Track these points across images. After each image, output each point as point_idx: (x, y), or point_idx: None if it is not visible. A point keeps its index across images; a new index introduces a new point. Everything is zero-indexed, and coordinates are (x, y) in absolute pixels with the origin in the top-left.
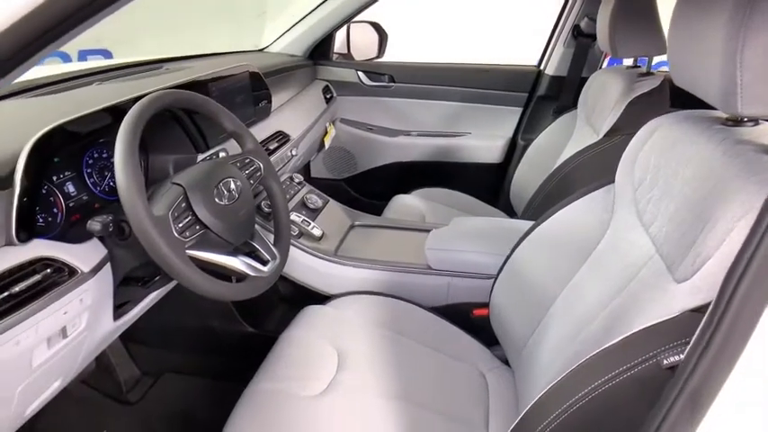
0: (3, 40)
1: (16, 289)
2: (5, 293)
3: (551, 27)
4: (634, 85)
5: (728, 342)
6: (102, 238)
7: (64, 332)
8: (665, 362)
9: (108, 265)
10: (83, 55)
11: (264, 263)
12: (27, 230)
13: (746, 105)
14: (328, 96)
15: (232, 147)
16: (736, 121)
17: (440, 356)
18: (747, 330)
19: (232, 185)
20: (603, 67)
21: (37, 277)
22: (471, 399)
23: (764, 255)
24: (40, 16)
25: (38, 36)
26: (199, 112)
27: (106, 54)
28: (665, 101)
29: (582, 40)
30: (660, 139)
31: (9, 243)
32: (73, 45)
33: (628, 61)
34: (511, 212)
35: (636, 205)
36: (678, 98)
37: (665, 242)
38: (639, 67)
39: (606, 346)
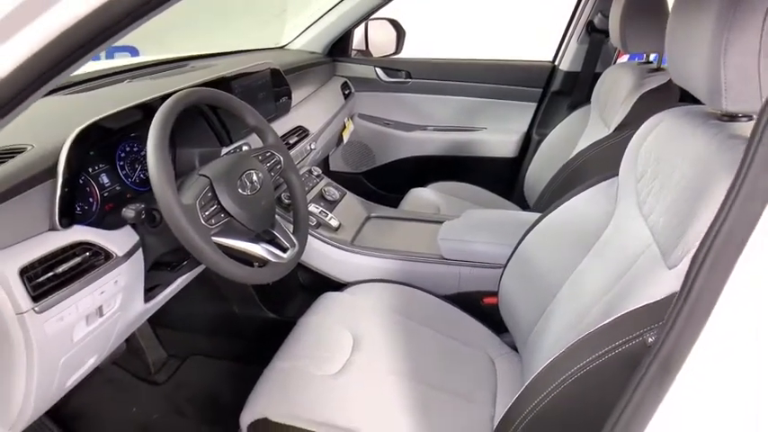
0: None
1: (60, 270)
2: (50, 273)
3: (565, 23)
4: (644, 81)
5: (692, 317)
6: (134, 226)
7: (100, 311)
8: (649, 340)
9: (140, 250)
10: (110, 52)
11: (284, 250)
12: (68, 217)
13: (730, 102)
14: (347, 92)
15: (254, 141)
16: (732, 117)
17: (450, 341)
18: (708, 307)
19: (254, 177)
20: (621, 62)
21: (77, 259)
22: (480, 381)
23: (724, 239)
24: (37, 61)
25: (34, 80)
26: (223, 108)
27: (133, 51)
28: (675, 96)
29: (595, 36)
30: (661, 133)
31: (53, 228)
32: None
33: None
34: (525, 206)
35: (637, 196)
36: (688, 94)
37: (661, 232)
38: (651, 62)
39: (598, 326)
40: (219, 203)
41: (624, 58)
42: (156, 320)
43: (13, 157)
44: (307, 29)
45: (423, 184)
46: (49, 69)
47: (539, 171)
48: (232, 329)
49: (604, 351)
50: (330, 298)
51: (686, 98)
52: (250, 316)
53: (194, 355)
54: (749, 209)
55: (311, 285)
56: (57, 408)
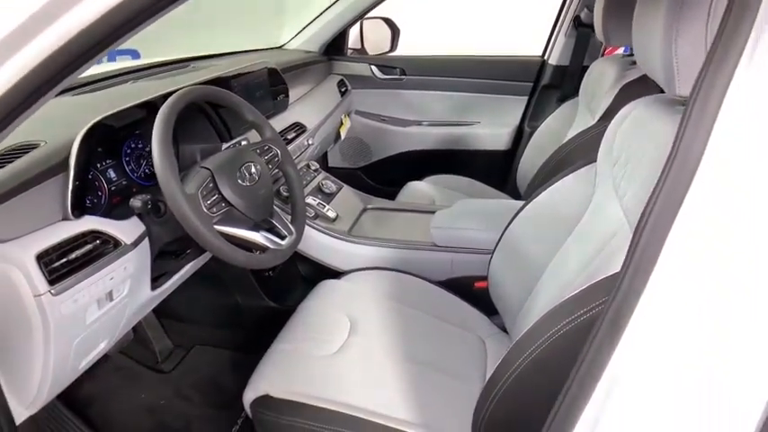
0: None
1: (73, 256)
2: (64, 259)
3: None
4: (626, 73)
5: (635, 278)
6: (140, 216)
7: (110, 296)
8: None
9: (146, 239)
10: (112, 55)
11: (282, 237)
12: (79, 209)
13: (682, 87)
14: (343, 90)
15: (253, 137)
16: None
17: (443, 324)
18: (648, 268)
19: (253, 169)
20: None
21: (88, 247)
22: (471, 360)
23: (662, 201)
24: (51, 63)
25: (47, 81)
26: (223, 105)
27: (134, 54)
28: (654, 85)
29: (582, 30)
30: (634, 119)
31: (65, 218)
32: None
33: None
34: (518, 196)
35: (613, 180)
36: None
37: (632, 210)
38: (633, 55)
39: (571, 294)
40: (220, 193)
41: (620, 51)
42: (162, 312)
43: (28, 152)
44: (303, 29)
45: (419, 177)
46: (59, 71)
47: (530, 162)
48: (235, 319)
49: (576, 316)
50: (328, 285)
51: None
52: (252, 306)
53: (199, 345)
54: (682, 173)
55: (310, 275)
56: (70, 394)
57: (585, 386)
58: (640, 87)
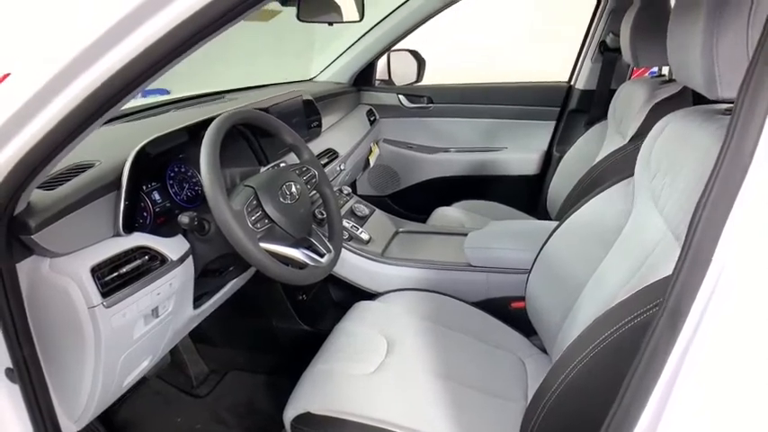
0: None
1: (124, 270)
2: (115, 273)
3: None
4: (657, 92)
5: (693, 268)
6: (185, 234)
7: (156, 312)
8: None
9: (191, 257)
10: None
11: (321, 255)
12: (129, 226)
13: (725, 90)
14: (372, 119)
15: (290, 161)
16: (730, 109)
17: (481, 344)
18: (704, 267)
19: (293, 188)
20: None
21: (138, 262)
22: (511, 380)
23: (716, 193)
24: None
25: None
26: (264, 128)
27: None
28: (688, 102)
29: (608, 54)
30: (670, 132)
31: (117, 234)
32: None
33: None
34: (548, 220)
35: (652, 193)
36: (701, 99)
37: (674, 218)
38: (663, 75)
39: (617, 302)
40: (263, 210)
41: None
42: (198, 337)
43: (85, 171)
44: (333, 62)
45: (448, 203)
46: (107, 101)
47: (560, 186)
48: (269, 343)
49: (623, 323)
50: (363, 306)
51: (701, 104)
52: (286, 330)
53: (234, 370)
54: (734, 170)
55: (343, 299)
56: (109, 417)
57: (641, 391)
58: (672, 106)
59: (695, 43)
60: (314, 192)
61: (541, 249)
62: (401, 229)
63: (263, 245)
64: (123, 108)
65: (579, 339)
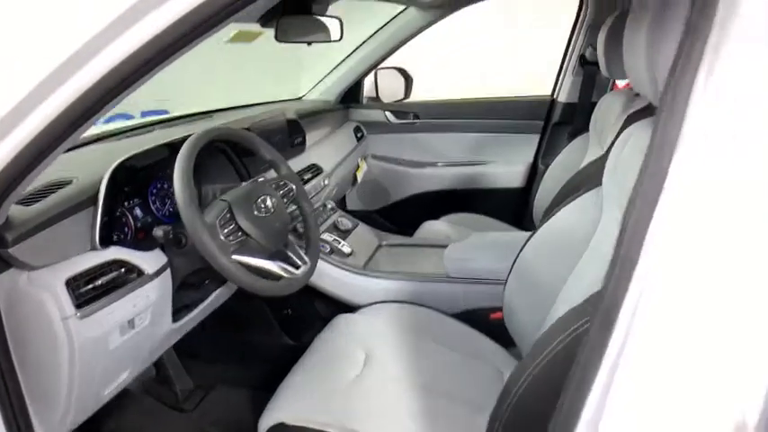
0: None
1: (99, 282)
2: (90, 286)
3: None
4: (631, 103)
5: (623, 271)
6: (162, 248)
7: (132, 323)
8: None
9: (168, 270)
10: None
11: (297, 267)
12: (106, 240)
13: None
14: (359, 135)
15: (270, 176)
16: None
17: (458, 355)
18: (630, 271)
19: (269, 202)
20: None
21: (114, 274)
22: (487, 390)
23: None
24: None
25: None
26: (241, 143)
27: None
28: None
29: (588, 68)
30: (635, 141)
31: (93, 248)
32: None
33: None
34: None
35: (618, 200)
36: None
37: None
38: None
39: (575, 305)
40: (237, 223)
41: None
42: (183, 351)
43: (62, 187)
44: (320, 81)
45: (436, 217)
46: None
47: (546, 198)
48: (255, 358)
49: (579, 325)
50: (343, 319)
51: None
52: (271, 344)
53: (220, 385)
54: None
55: (327, 312)
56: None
57: (582, 389)
58: (644, 115)
59: (640, 53)
60: (295, 206)
61: (516, 259)
62: (384, 243)
63: (236, 257)
64: (109, 129)
65: (532, 350)
